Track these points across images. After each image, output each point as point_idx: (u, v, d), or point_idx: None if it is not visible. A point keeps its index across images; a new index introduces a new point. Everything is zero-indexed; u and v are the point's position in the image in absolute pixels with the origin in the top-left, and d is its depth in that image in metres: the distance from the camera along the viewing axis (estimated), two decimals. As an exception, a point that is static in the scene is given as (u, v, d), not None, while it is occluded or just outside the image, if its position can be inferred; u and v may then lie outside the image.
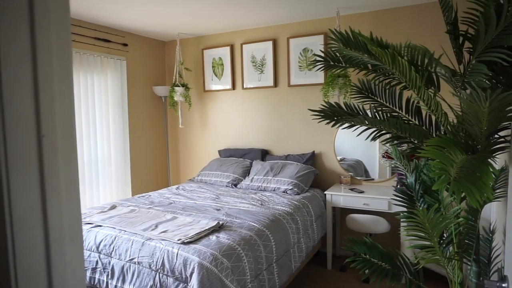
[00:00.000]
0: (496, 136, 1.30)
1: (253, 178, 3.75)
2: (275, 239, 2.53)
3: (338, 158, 3.82)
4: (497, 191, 1.76)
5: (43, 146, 0.68)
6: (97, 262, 2.38)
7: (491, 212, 2.06)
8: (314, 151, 3.87)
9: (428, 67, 1.62)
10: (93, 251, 2.41)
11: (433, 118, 1.62)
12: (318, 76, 3.77)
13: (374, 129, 1.66)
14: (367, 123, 1.45)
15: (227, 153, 4.31)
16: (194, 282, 1.96)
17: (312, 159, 3.83)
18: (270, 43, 3.99)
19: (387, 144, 1.61)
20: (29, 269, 0.67)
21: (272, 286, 2.43)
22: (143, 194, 3.53)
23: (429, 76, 1.53)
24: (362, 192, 3.36)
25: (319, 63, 1.75)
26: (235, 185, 3.82)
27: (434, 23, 3.23)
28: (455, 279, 1.72)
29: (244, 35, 4.18)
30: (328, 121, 1.55)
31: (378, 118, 1.64)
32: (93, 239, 2.43)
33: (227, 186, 3.82)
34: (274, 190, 3.55)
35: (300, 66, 3.87)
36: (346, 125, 1.71)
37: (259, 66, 4.10)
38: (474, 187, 0.92)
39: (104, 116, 3.82)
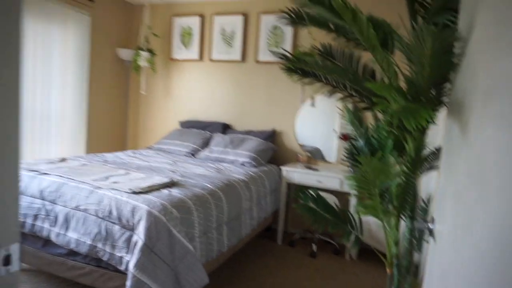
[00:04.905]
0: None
1: (212, 149, 3.75)
2: (227, 201, 2.56)
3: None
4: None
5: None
6: (39, 209, 2.28)
7: (429, 185, 2.21)
8: (274, 129, 3.92)
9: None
10: (36, 198, 2.31)
11: (386, 81, 1.71)
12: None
13: (330, 86, 1.72)
14: (323, 69, 1.50)
15: (188, 125, 4.27)
16: (140, 230, 1.94)
17: (272, 137, 3.89)
18: (241, 17, 3.99)
19: (341, 102, 1.67)
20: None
21: (221, 246, 2.45)
22: (97, 154, 3.42)
23: (384, 38, 1.61)
24: (316, 170, 3.47)
25: (284, 18, 1.79)
26: (193, 155, 3.80)
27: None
28: (392, 238, 1.83)
29: (216, 6, 4.14)
30: (288, 69, 1.59)
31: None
32: (37, 186, 2.33)
33: (185, 155, 3.79)
34: (232, 162, 3.57)
35: (269, 43, 3.90)
36: (306, 80, 1.76)
37: (228, 39, 4.08)
38: (411, 115, 0.99)
39: (62, 70, 3.65)
